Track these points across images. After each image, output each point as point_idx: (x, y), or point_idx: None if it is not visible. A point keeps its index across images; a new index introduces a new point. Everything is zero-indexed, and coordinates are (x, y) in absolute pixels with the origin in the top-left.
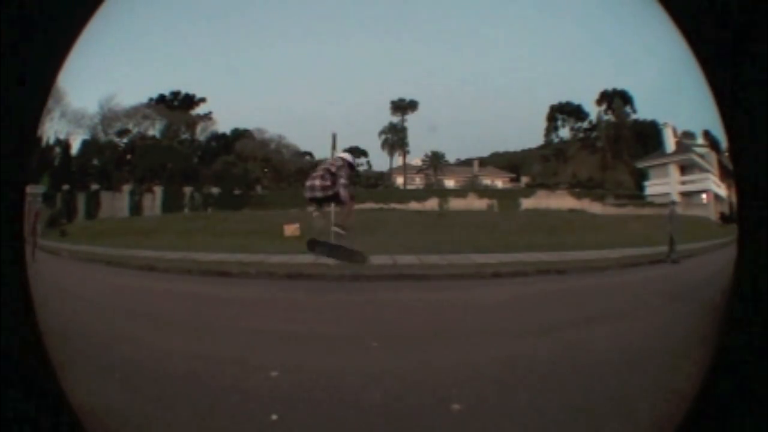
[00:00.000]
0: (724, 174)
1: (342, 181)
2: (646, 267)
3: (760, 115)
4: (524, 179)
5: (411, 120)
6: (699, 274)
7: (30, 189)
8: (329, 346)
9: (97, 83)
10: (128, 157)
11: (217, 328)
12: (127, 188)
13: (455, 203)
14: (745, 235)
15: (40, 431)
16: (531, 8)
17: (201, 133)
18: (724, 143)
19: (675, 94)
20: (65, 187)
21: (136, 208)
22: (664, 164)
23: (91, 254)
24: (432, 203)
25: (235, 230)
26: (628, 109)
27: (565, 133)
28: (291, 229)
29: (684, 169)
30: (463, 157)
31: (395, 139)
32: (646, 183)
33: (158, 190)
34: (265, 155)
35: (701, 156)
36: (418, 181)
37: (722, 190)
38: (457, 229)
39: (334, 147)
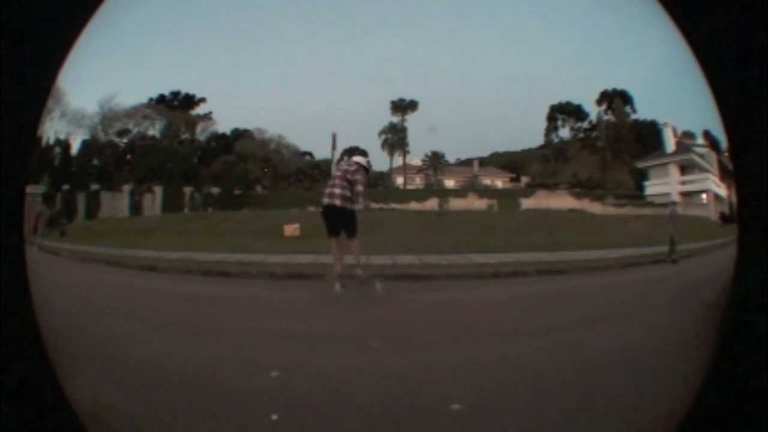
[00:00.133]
0: (724, 174)
1: (359, 188)
2: (647, 267)
3: (760, 115)
4: (524, 179)
5: (411, 120)
6: (699, 275)
7: (30, 189)
8: (329, 346)
9: (97, 83)
10: (128, 157)
11: (217, 327)
12: (127, 188)
13: (455, 203)
14: (745, 235)
15: None
16: (531, 8)
17: (201, 133)
18: (724, 143)
19: (675, 94)
20: (65, 187)
21: (136, 208)
22: (664, 164)
23: (91, 254)
24: (432, 203)
25: (235, 230)
26: (628, 109)
27: (565, 133)
28: (291, 229)
29: (684, 169)
30: (463, 157)
31: (395, 139)
32: (646, 183)
33: (158, 190)
34: (265, 155)
35: (701, 156)
36: (418, 181)
37: (722, 190)
38: (457, 229)
39: (334, 147)
